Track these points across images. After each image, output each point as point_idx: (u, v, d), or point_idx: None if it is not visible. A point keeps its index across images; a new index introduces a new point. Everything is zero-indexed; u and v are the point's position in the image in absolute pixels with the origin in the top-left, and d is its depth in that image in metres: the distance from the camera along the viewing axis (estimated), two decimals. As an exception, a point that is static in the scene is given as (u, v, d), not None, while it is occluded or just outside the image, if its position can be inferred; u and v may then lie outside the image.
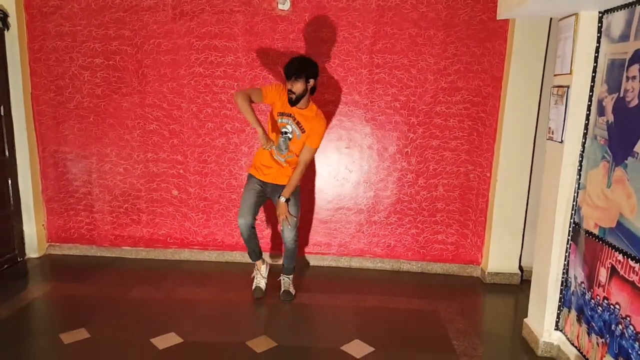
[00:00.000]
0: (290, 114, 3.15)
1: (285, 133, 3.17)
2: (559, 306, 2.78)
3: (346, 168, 3.95)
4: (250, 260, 3.53)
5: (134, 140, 3.97)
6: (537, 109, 3.67)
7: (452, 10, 3.65)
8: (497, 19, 2.97)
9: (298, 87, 3.04)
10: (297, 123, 3.15)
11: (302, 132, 3.15)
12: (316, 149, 3.24)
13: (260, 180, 3.28)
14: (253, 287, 3.45)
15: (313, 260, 4.10)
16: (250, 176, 3.33)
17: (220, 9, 3.74)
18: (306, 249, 4.09)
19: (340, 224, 4.03)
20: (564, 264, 2.73)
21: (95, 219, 4.13)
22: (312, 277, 3.89)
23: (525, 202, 3.81)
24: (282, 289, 3.47)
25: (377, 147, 3.89)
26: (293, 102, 3.09)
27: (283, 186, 3.22)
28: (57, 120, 3.97)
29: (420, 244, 4.02)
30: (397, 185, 3.94)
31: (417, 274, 4.01)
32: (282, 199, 3.18)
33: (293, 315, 3.27)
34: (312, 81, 3.12)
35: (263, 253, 3.60)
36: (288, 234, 3.31)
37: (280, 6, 3.70)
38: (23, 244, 4.05)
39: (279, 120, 3.17)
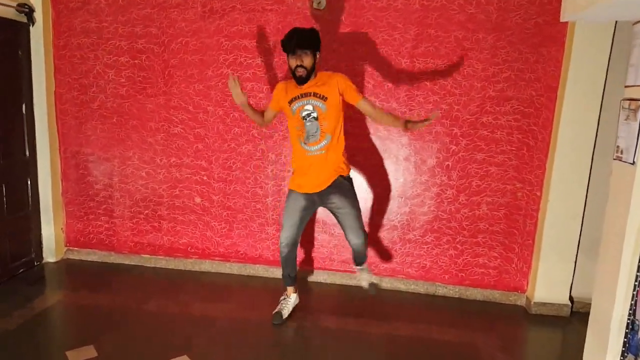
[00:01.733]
0: (303, 94, 2.81)
1: (309, 115, 2.81)
2: (623, 352, 2.40)
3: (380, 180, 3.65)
4: (274, 276, 3.28)
5: (157, 143, 3.78)
6: (596, 124, 3.28)
7: (504, 12, 3.31)
8: (561, 21, 2.63)
9: (309, 61, 2.72)
10: (314, 94, 2.80)
11: (325, 100, 2.80)
12: (364, 98, 2.90)
13: (305, 194, 2.96)
14: (275, 311, 3.15)
15: (340, 279, 3.81)
16: (291, 192, 3.00)
17: (252, 7, 3.51)
18: (333, 266, 3.81)
19: (371, 241, 3.73)
20: (631, 304, 2.35)
21: (115, 224, 3.96)
22: (339, 298, 3.60)
23: (580, 226, 3.42)
24: (368, 282, 3.22)
25: (414, 159, 3.58)
26: (304, 79, 2.75)
27: (334, 185, 2.90)
28: (80, 120, 3.83)
29: (459, 267, 3.68)
30: (436, 202, 3.61)
31: (454, 300, 3.66)
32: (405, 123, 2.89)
33: (316, 342, 2.99)
34: (318, 54, 2.83)
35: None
36: (354, 240, 3.03)
37: (315, 5, 3.45)
38: (41, 247, 3.91)
39: (293, 107, 2.82)
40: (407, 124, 2.90)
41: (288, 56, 2.76)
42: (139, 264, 3.98)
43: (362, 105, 2.88)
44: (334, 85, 2.81)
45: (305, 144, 2.87)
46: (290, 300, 3.15)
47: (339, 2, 3.43)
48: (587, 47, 3.17)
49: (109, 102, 3.76)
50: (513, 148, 3.47)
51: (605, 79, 3.21)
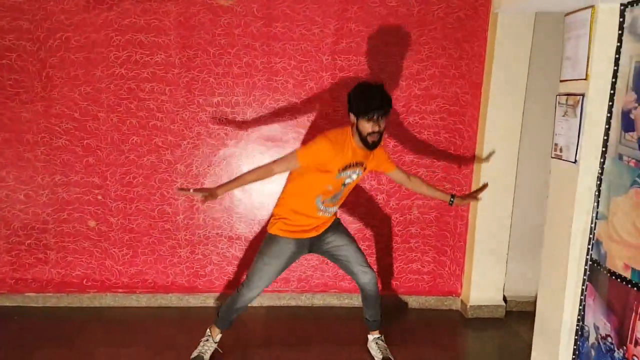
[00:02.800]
0: (358, 162, 2.41)
1: (349, 182, 2.46)
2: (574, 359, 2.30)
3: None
4: (189, 305, 2.82)
5: (37, 159, 3.13)
6: (520, 120, 3.23)
7: (425, 5, 3.14)
8: (494, 11, 2.48)
9: (383, 126, 2.30)
10: (361, 165, 2.45)
11: (364, 170, 2.50)
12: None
13: (301, 239, 2.52)
14: (194, 355, 2.63)
15: (267, 300, 3.43)
16: (280, 238, 2.49)
17: (147, -4, 3.01)
18: (259, 286, 3.42)
19: (299, 254, 3.40)
20: (579, 309, 2.25)
21: (-12, 259, 3.24)
22: (268, 323, 3.23)
23: (509, 224, 3.36)
24: (381, 356, 2.70)
25: (340, 163, 3.30)
26: (376, 145, 2.33)
27: (332, 226, 2.59)
28: None
29: (392, 274, 3.47)
30: (366, 209, 3.37)
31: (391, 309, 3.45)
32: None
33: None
34: None
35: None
36: (364, 277, 2.63)
37: (222, -5, 3.03)
38: None
39: (342, 174, 2.38)
40: (452, 200, 2.69)
41: (360, 117, 2.26)
42: (23, 305, 3.29)
43: (395, 174, 2.67)
44: (375, 161, 2.52)
45: (323, 203, 2.45)
46: (215, 340, 2.69)
47: (249, -8, 3.05)
48: (508, 41, 3.10)
49: (-29, 112, 3.05)
50: (440, 148, 3.33)
51: (528, 74, 3.17)
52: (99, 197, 3.21)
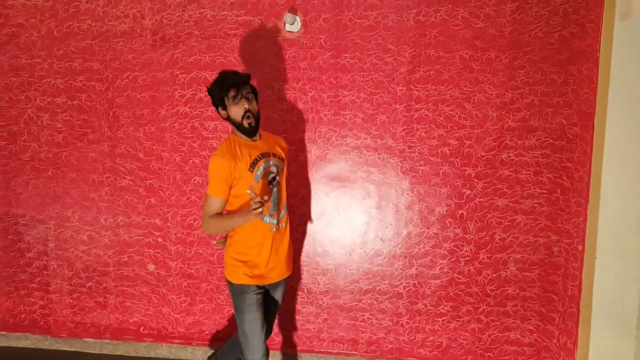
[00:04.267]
0: (263, 154, 2.22)
1: (274, 179, 2.22)
2: None
3: (377, 236, 2.91)
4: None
5: (101, 199, 3.08)
6: (649, 156, 2.58)
7: (519, 25, 2.69)
8: (606, 28, 1.98)
9: (255, 105, 2.20)
10: (274, 155, 2.27)
11: (283, 162, 2.32)
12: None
13: (263, 286, 2.28)
14: None
15: (333, 364, 2.99)
16: (246, 288, 2.22)
17: (212, 33, 2.90)
18: (322, 347, 2.99)
19: (370, 313, 2.94)
20: None
21: (52, 300, 3.19)
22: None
23: (639, 286, 2.64)
24: None
25: (419, 207, 2.85)
26: (255, 129, 2.19)
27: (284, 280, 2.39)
28: (8, 174, 3.14)
29: (484, 345, 2.86)
30: (450, 261, 2.85)
31: (480, 389, 2.83)
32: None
33: None
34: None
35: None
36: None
37: (288, 27, 2.83)
38: (-44, 334, 3.15)
39: (257, 173, 2.16)
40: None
41: (227, 103, 2.16)
42: (81, 350, 3.18)
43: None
44: (283, 150, 2.39)
45: (270, 216, 2.20)
46: None
47: (316, 22, 2.83)
48: (628, 61, 2.52)
49: (43, 152, 3.09)
50: (544, 191, 2.75)
51: (656, 100, 2.54)
52: (160, 240, 3.06)
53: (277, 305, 2.43)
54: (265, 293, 2.32)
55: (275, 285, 2.34)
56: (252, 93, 2.20)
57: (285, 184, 2.37)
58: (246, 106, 2.13)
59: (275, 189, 2.19)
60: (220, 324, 3.06)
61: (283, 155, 2.36)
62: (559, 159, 2.73)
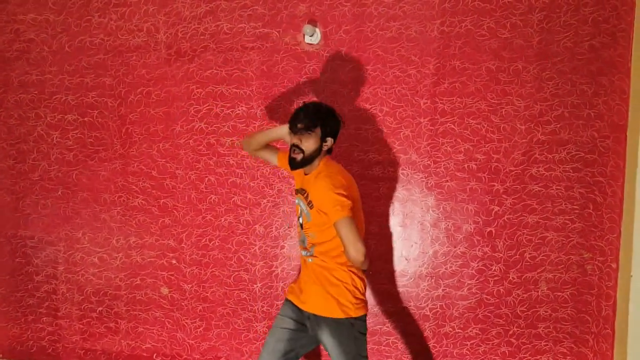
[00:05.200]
0: (299, 190, 2.21)
1: (299, 218, 2.20)
2: None
3: (401, 255, 2.79)
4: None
5: (113, 220, 2.96)
6: (687, 168, 2.47)
7: (548, 34, 2.60)
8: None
9: (310, 144, 2.07)
10: (306, 196, 2.13)
11: (312, 208, 2.07)
12: (345, 219, 1.91)
13: (294, 306, 2.16)
14: None
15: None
16: (283, 305, 2.26)
17: (229, 46, 2.82)
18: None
19: (395, 336, 2.81)
20: None
21: (61, 326, 3.05)
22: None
23: (678, 307, 2.52)
24: None
25: (445, 225, 2.74)
26: (296, 164, 2.10)
27: (327, 321, 2.07)
28: (17, 195, 3.03)
29: (515, 369, 2.73)
30: (478, 281, 2.73)
31: (514, 416, 2.69)
32: None
33: None
34: (329, 140, 2.13)
35: None
36: None
37: (307, 39, 2.75)
38: (-39, 362, 3.01)
39: (295, 199, 2.26)
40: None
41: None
42: (92, 379, 3.04)
43: (335, 225, 1.95)
44: (314, 194, 2.07)
45: (300, 247, 2.25)
46: None
47: (337, 34, 2.75)
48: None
49: (53, 171, 2.98)
50: (575, 207, 2.64)
51: (693, 111, 2.45)
52: (174, 262, 2.94)
53: (315, 346, 2.22)
54: (309, 326, 2.14)
55: (316, 323, 2.11)
56: (314, 130, 2.07)
57: (319, 228, 2.08)
58: (297, 142, 2.09)
59: (300, 225, 2.21)
60: (237, 349, 2.92)
61: (314, 199, 2.07)
62: (590, 173, 2.63)
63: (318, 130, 2.08)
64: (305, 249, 2.16)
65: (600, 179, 2.62)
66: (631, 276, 2.53)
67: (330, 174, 2.05)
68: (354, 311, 2.06)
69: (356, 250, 1.87)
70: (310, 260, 2.13)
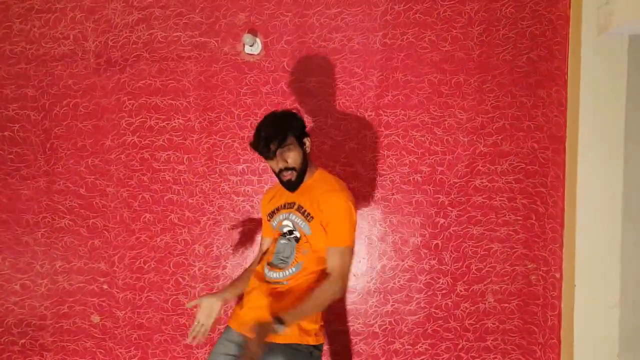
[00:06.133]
0: (287, 204, 2.01)
1: (291, 233, 1.97)
2: None
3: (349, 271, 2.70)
4: None
5: (36, 243, 2.71)
6: (622, 176, 2.53)
7: (487, 47, 2.62)
8: (575, 48, 1.92)
9: (295, 156, 1.92)
10: (299, 209, 1.96)
11: (310, 221, 1.93)
12: (351, 249, 1.92)
13: (237, 333, 1.97)
14: None
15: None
16: (225, 330, 2.07)
17: (163, 55, 2.67)
18: (294, 397, 2.72)
19: (343, 355, 2.71)
20: None
21: (-23, 363, 2.76)
22: None
23: (618, 314, 2.56)
24: None
25: (392, 238, 2.68)
26: (295, 184, 1.95)
27: (279, 344, 1.82)
28: None
29: (465, 385, 2.69)
30: (426, 295, 2.68)
31: None
32: (273, 325, 1.67)
33: None
34: (307, 140, 2.01)
35: None
36: None
37: (247, 49, 2.65)
38: None
39: (273, 222, 2.07)
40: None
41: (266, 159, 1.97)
42: (13, 420, 2.75)
43: (332, 252, 1.91)
44: (323, 206, 1.92)
45: (268, 267, 1.98)
46: None
47: (278, 44, 2.66)
48: (597, 81, 2.49)
49: (-33, 191, 2.72)
50: (518, 217, 2.65)
51: (625, 117, 2.51)
52: (105, 287, 2.72)
53: None
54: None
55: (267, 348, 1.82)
56: (288, 141, 1.89)
57: (316, 247, 1.95)
58: (282, 166, 1.91)
59: (282, 242, 2.00)
60: (176, 378, 2.73)
61: (314, 211, 1.94)
62: (532, 184, 2.65)
63: (292, 139, 1.92)
64: (277, 269, 1.95)
65: (542, 189, 2.65)
66: (575, 285, 2.56)
67: (343, 188, 1.99)
68: (315, 339, 1.93)
69: (344, 285, 1.88)
70: (285, 283, 1.92)
